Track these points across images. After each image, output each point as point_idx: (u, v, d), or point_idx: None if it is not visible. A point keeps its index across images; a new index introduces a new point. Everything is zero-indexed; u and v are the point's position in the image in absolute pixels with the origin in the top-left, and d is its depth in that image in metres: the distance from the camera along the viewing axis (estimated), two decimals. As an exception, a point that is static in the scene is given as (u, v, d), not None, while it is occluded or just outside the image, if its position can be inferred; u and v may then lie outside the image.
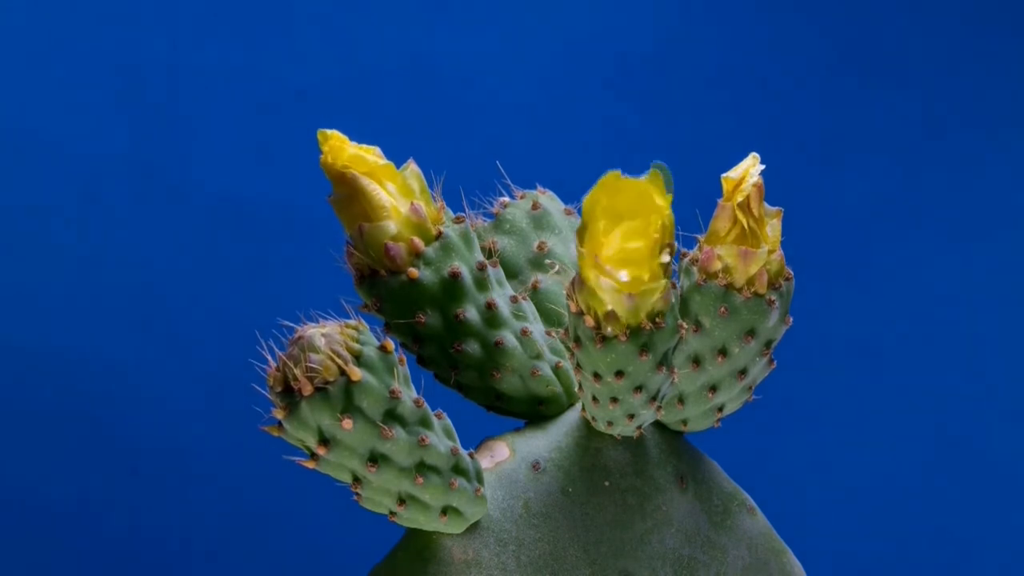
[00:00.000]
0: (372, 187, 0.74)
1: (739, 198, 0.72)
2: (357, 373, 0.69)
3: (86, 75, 1.36)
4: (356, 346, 0.70)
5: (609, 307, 0.68)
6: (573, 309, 0.70)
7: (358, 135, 0.75)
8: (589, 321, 0.69)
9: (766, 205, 0.73)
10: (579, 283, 0.69)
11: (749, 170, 0.72)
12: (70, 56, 1.36)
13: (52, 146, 1.36)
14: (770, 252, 0.73)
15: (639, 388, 0.71)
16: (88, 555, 1.37)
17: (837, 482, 1.43)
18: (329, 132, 0.74)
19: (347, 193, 0.74)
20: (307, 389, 0.68)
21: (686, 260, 0.74)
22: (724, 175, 0.73)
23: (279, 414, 0.69)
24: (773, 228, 0.74)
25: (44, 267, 1.35)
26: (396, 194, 0.74)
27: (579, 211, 0.72)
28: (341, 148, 0.73)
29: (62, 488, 1.36)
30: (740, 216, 0.72)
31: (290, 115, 1.37)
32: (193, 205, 1.35)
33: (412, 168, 0.75)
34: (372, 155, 0.74)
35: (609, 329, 0.69)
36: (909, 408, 1.43)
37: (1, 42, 1.35)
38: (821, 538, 1.39)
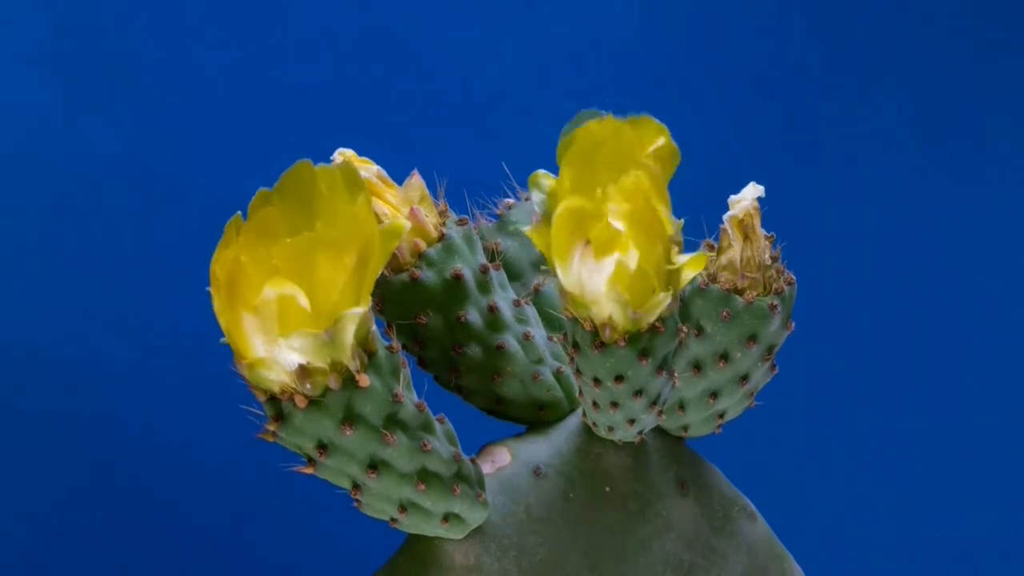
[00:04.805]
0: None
1: (733, 212, 0.73)
2: (366, 380, 0.66)
3: (85, 75, 1.36)
4: (375, 345, 0.67)
5: (607, 315, 0.68)
6: (568, 315, 0.70)
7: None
8: (587, 326, 0.69)
9: (763, 230, 0.74)
10: (567, 297, 0.69)
11: (746, 193, 0.73)
12: (69, 56, 1.35)
13: (51, 146, 1.35)
14: (766, 268, 0.73)
15: (639, 392, 0.71)
16: (87, 555, 1.37)
17: (838, 488, 1.43)
18: (336, 153, 0.74)
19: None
20: (301, 403, 0.66)
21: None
22: (730, 198, 0.74)
23: (271, 426, 0.67)
24: (766, 249, 0.74)
25: (42, 267, 1.35)
26: (396, 203, 0.74)
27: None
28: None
29: (61, 488, 1.36)
30: (736, 232, 0.73)
31: (290, 115, 1.37)
32: (192, 205, 1.34)
33: (414, 180, 0.76)
34: (367, 171, 0.74)
35: (607, 334, 0.69)
36: (911, 414, 1.43)
37: None
38: (821, 544, 1.39)
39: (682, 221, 0.68)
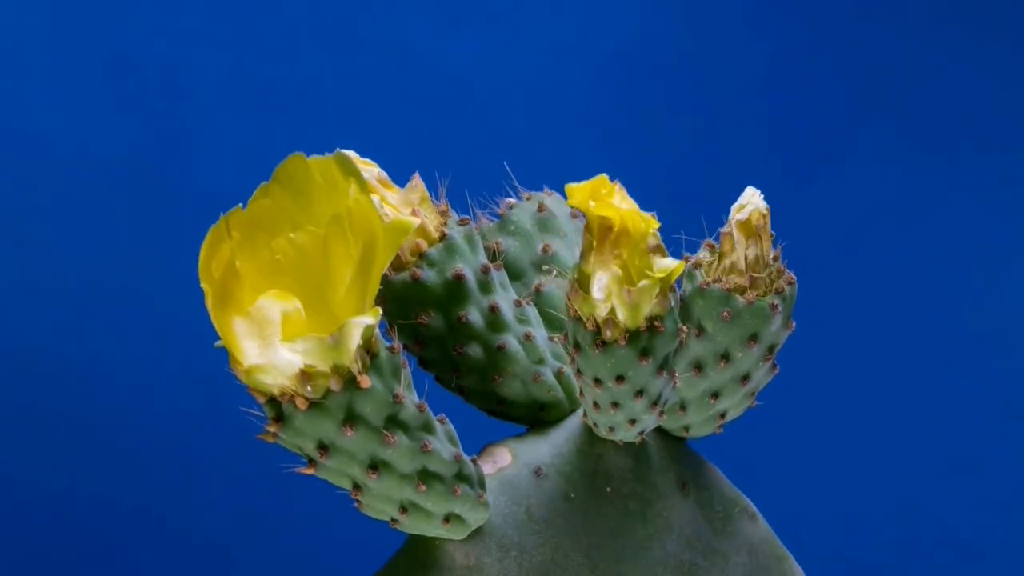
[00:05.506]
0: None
1: (738, 215, 0.73)
2: (367, 381, 0.66)
3: (85, 75, 1.36)
4: (377, 346, 0.67)
5: (608, 307, 0.68)
6: (571, 314, 0.70)
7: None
8: (589, 325, 0.69)
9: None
10: (575, 290, 0.69)
11: (748, 199, 0.73)
12: (69, 56, 1.35)
13: (51, 146, 1.35)
14: (770, 270, 0.74)
15: (640, 392, 0.71)
16: (87, 555, 1.37)
17: (839, 488, 1.43)
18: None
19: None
20: (302, 404, 0.65)
21: (689, 264, 0.74)
22: (733, 206, 0.74)
23: (272, 427, 0.66)
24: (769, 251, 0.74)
25: (42, 268, 1.35)
26: (397, 205, 0.74)
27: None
28: None
29: (61, 488, 1.36)
30: (741, 235, 0.73)
31: (291, 116, 1.37)
32: (192, 206, 1.34)
33: (415, 182, 0.76)
34: (368, 172, 0.74)
35: (608, 333, 0.69)
36: (911, 414, 1.43)
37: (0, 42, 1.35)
38: (822, 544, 1.39)
39: (659, 224, 0.69)
